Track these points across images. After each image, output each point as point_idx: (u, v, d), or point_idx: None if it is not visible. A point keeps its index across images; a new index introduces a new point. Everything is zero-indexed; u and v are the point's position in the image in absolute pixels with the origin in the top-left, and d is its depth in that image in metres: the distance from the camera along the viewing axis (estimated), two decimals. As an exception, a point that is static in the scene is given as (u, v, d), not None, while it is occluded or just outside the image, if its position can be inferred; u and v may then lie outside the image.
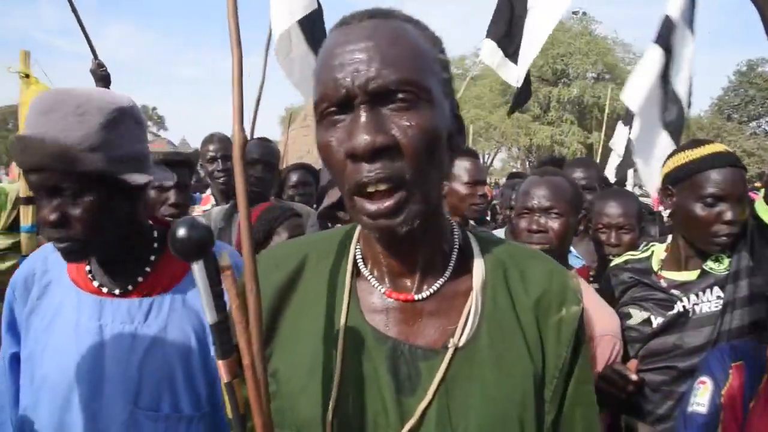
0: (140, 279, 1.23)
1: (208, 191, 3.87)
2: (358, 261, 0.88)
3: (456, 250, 0.87)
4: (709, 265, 1.78)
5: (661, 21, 3.52)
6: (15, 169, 3.17)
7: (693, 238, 1.81)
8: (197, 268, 0.67)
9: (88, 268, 1.24)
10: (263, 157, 2.87)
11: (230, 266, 0.68)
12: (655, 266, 1.91)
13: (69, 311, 1.20)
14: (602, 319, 1.74)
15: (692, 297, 1.76)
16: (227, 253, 0.70)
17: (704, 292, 1.75)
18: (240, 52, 0.69)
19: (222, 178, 3.52)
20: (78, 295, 1.21)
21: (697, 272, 1.79)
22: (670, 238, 1.96)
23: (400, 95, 0.72)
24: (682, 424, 1.46)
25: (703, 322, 1.72)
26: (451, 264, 0.86)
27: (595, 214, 2.60)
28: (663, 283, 1.84)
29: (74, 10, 3.10)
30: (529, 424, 0.79)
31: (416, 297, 0.83)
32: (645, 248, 2.01)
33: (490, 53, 4.04)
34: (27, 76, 3.38)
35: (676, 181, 1.83)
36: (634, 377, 1.64)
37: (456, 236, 0.89)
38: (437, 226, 0.85)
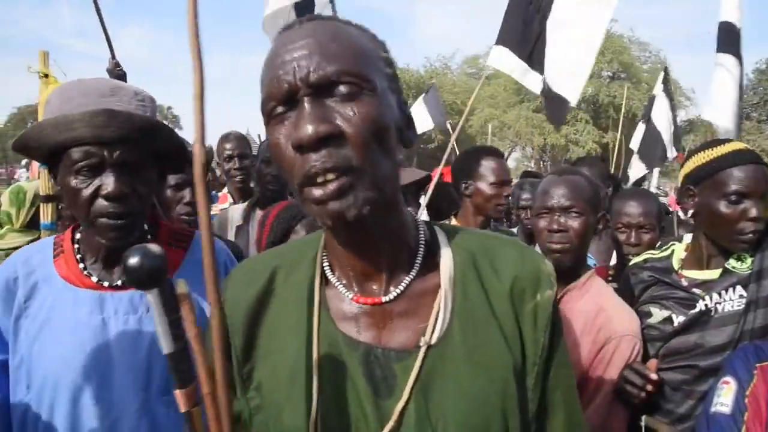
0: None
1: (225, 190, 3.90)
2: (325, 269, 0.88)
3: (422, 246, 0.87)
4: (732, 263, 1.76)
5: (723, 27, 3.45)
6: (35, 167, 3.20)
7: (717, 236, 1.79)
8: (151, 297, 0.66)
9: (81, 266, 1.25)
10: None
11: (187, 294, 0.68)
12: (676, 265, 1.89)
13: (65, 309, 1.20)
14: (622, 319, 1.72)
15: (714, 296, 1.74)
16: (183, 282, 0.70)
17: (726, 291, 1.73)
18: (201, 65, 0.64)
19: (239, 176, 3.54)
20: (74, 292, 1.22)
21: (719, 271, 1.77)
22: (688, 237, 1.94)
23: (342, 86, 0.74)
24: (704, 424, 1.44)
25: (725, 321, 1.70)
26: (418, 261, 0.85)
27: (614, 214, 2.57)
28: (684, 282, 1.83)
29: (98, 11, 3.12)
30: (512, 414, 0.79)
31: (384, 299, 0.83)
32: (665, 247, 1.99)
33: (504, 60, 3.91)
34: (46, 75, 3.42)
35: (698, 180, 1.81)
36: (654, 376, 1.63)
37: (421, 231, 0.88)
38: (398, 221, 0.84)
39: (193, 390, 0.69)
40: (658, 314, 1.82)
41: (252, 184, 3.63)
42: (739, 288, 1.72)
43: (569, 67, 3.53)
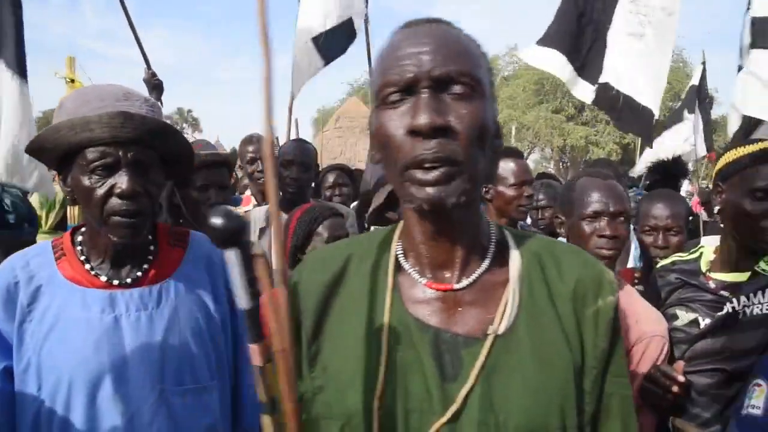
0: (146, 266, 1.32)
1: (248, 192, 3.93)
2: (399, 257, 0.93)
3: (493, 243, 0.92)
4: (762, 266, 1.73)
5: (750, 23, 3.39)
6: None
7: (741, 234, 1.76)
8: (232, 256, 0.70)
9: (88, 266, 1.28)
10: (298, 157, 2.88)
11: (263, 254, 0.73)
12: (704, 267, 1.86)
13: (75, 310, 1.23)
14: (651, 320, 1.72)
15: (743, 299, 1.71)
16: (259, 244, 0.74)
17: (756, 294, 1.70)
18: (268, 50, 0.73)
19: (262, 179, 3.57)
20: (82, 292, 1.25)
21: (748, 273, 1.74)
22: (709, 239, 1.91)
23: (458, 86, 0.81)
24: (736, 426, 1.42)
25: (754, 324, 1.67)
26: (489, 256, 0.90)
27: (641, 216, 2.54)
28: (711, 285, 1.80)
29: (131, 23, 3.18)
30: (570, 412, 0.82)
31: (456, 287, 0.87)
32: (693, 250, 1.97)
33: (550, 61, 3.79)
34: (72, 81, 3.49)
35: (726, 177, 1.79)
36: (681, 378, 1.60)
37: (492, 231, 0.93)
38: (476, 218, 0.90)
39: (266, 346, 0.73)
40: (684, 317, 1.80)
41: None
42: None
43: (645, 78, 3.46)
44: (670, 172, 4.02)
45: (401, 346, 0.85)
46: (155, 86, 3.20)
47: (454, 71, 0.80)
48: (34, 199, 3.61)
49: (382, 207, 1.74)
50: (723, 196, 1.80)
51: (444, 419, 0.80)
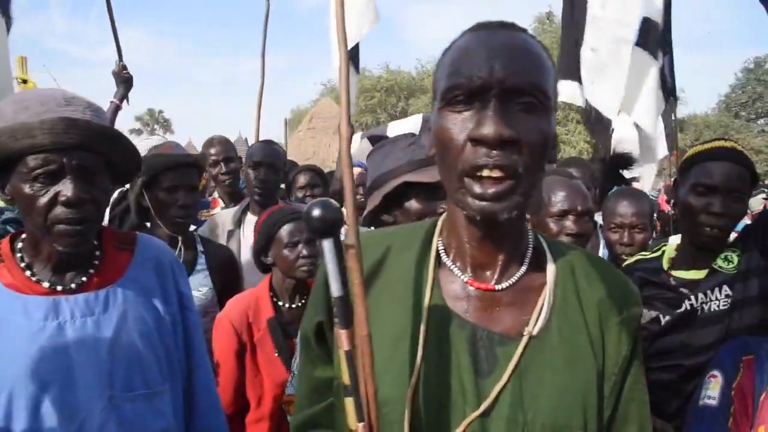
0: (92, 271, 1.28)
1: (215, 194, 3.88)
2: (440, 252, 0.94)
3: (530, 248, 0.95)
4: (719, 263, 1.77)
5: (640, 23, 3.51)
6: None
7: (685, 228, 1.82)
8: (327, 245, 0.74)
9: (27, 273, 1.24)
10: (266, 158, 2.85)
11: (353, 245, 0.77)
12: (666, 265, 1.90)
13: (16, 318, 1.19)
14: None
15: (700, 295, 1.74)
16: (349, 233, 0.78)
17: (713, 290, 1.73)
18: (346, 50, 0.79)
19: (227, 180, 3.53)
20: (23, 300, 1.20)
21: (706, 271, 1.78)
22: (676, 237, 1.96)
23: (528, 98, 0.81)
24: (693, 418, 1.45)
25: (711, 320, 1.71)
26: (527, 260, 0.93)
27: (607, 214, 2.58)
28: (672, 281, 1.83)
29: (110, 12, 3.08)
30: (592, 413, 0.85)
31: (497, 287, 0.90)
32: (656, 248, 2.01)
33: (579, 95, 3.85)
34: (25, 81, 3.38)
35: (681, 172, 1.85)
36: None
37: (530, 236, 0.96)
38: (520, 226, 0.93)
39: (352, 332, 0.76)
40: (646, 314, 1.82)
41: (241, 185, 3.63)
42: (725, 288, 1.72)
43: (604, 86, 3.56)
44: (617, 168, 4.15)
45: (438, 338, 0.87)
46: (125, 80, 3.09)
47: (527, 83, 0.80)
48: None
49: (378, 210, 1.74)
50: (679, 190, 1.85)
51: (476, 414, 0.83)
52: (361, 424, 0.76)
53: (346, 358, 0.75)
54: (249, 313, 2.12)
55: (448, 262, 0.93)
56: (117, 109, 3.08)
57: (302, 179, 3.77)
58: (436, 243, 0.95)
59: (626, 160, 3.06)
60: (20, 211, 1.23)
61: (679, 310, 1.76)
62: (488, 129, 0.78)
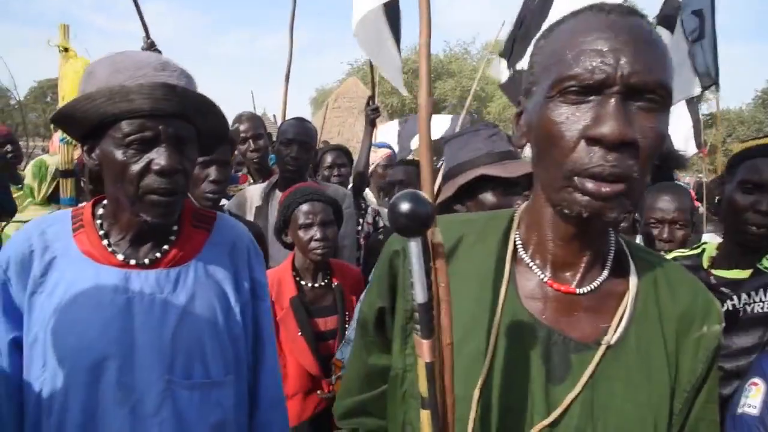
0: (166, 247, 1.24)
1: (244, 170, 3.89)
2: (518, 246, 0.89)
3: (612, 252, 0.88)
4: (764, 264, 1.71)
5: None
6: (55, 141, 3.21)
7: (729, 227, 1.77)
8: (414, 245, 0.64)
9: (105, 242, 1.21)
10: (298, 136, 2.84)
11: (442, 243, 0.68)
12: (705, 263, 1.85)
13: (87, 286, 1.16)
14: None
15: (743, 296, 1.69)
16: (438, 231, 0.68)
17: (757, 291, 1.68)
18: (429, 24, 0.70)
19: (256, 157, 3.52)
20: (96, 269, 1.18)
21: (750, 271, 1.72)
22: (709, 236, 1.91)
23: (651, 96, 0.74)
24: (731, 425, 1.40)
25: (754, 322, 1.65)
26: (609, 264, 0.87)
27: (646, 209, 2.52)
28: (713, 280, 1.78)
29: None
30: (662, 428, 0.81)
31: (578, 290, 0.84)
32: (695, 246, 1.96)
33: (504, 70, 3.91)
34: (66, 50, 3.40)
35: (728, 169, 1.80)
36: None
37: (612, 239, 0.90)
38: (608, 228, 0.88)
39: (435, 342, 0.69)
40: None
41: (271, 163, 3.62)
42: None
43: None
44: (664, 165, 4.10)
45: (510, 339, 0.82)
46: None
47: (652, 82, 0.73)
48: (27, 170, 3.55)
49: (451, 199, 1.73)
50: (724, 187, 1.80)
51: (545, 422, 0.78)
52: None
53: (427, 370, 0.69)
54: (272, 291, 2.12)
55: (527, 259, 0.87)
56: None
57: (329, 158, 3.75)
58: (514, 237, 0.89)
59: (677, 160, 3.00)
60: (108, 178, 1.18)
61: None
62: (609, 128, 0.70)
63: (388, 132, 6.69)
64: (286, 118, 3.41)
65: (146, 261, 1.21)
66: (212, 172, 2.20)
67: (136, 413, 1.14)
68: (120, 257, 1.20)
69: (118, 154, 1.12)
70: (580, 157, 0.73)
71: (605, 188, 0.73)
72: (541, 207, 0.85)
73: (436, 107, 29.80)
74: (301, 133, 2.86)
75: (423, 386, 0.69)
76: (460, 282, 0.87)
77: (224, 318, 1.25)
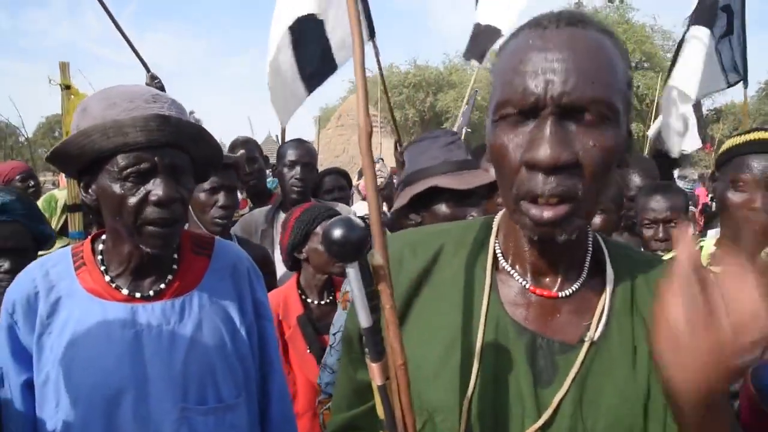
0: (170, 277, 1.26)
1: (243, 194, 3.93)
2: (498, 255, 0.89)
3: (590, 252, 0.89)
4: (762, 258, 1.71)
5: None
6: (64, 176, 3.26)
7: (725, 225, 1.76)
8: (353, 272, 0.65)
9: (107, 278, 1.22)
10: (301, 158, 2.89)
11: (384, 266, 0.67)
12: (704, 261, 1.84)
13: (95, 323, 1.17)
14: None
15: None
16: (378, 254, 0.69)
17: None
18: (361, 40, 0.68)
19: (252, 181, 3.57)
20: (102, 306, 1.19)
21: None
22: (711, 232, 1.90)
23: (589, 114, 0.72)
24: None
25: None
26: (587, 265, 0.88)
27: (639, 209, 2.53)
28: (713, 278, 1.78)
29: (123, 34, 3.12)
30: (655, 418, 0.80)
31: (559, 294, 0.85)
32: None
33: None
34: (68, 87, 3.46)
35: (720, 165, 1.78)
36: None
37: (590, 239, 0.91)
38: (581, 236, 0.87)
39: (386, 364, 0.69)
40: None
41: (269, 185, 3.66)
42: None
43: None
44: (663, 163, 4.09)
45: (496, 346, 0.83)
46: (158, 89, 3.15)
47: (587, 99, 0.71)
48: (40, 204, 3.61)
49: (405, 208, 1.70)
50: (716, 184, 1.80)
51: (537, 425, 0.78)
52: None
53: (380, 392, 0.69)
54: (279, 311, 2.14)
55: (507, 266, 0.88)
56: None
57: (328, 182, 3.79)
58: (493, 245, 0.90)
59: (673, 159, 2.99)
60: (106, 212, 1.19)
61: None
62: (543, 153, 0.70)
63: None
64: (287, 140, 3.46)
65: (151, 293, 1.23)
66: (221, 197, 2.24)
67: None
68: (125, 292, 1.21)
69: (116, 188, 1.14)
70: (522, 182, 0.74)
71: (547, 213, 0.73)
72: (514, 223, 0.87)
73: (438, 120, 29.80)
74: (303, 155, 2.91)
75: (379, 408, 0.70)
76: (442, 293, 0.88)
77: (231, 340, 1.27)
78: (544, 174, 0.72)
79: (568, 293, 0.85)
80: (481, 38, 4.09)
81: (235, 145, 3.62)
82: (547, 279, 0.86)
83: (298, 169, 2.86)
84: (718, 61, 3.79)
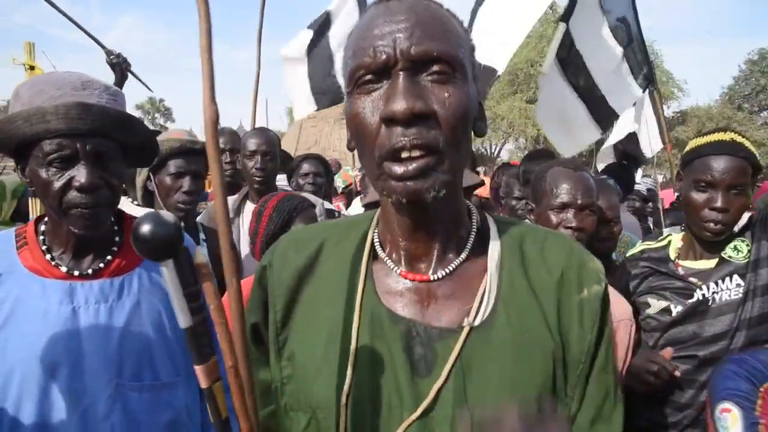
0: (109, 258, 1.28)
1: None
2: (375, 245, 0.88)
3: (473, 232, 0.87)
4: (728, 253, 1.77)
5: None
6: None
7: (689, 223, 1.82)
8: (166, 270, 0.61)
9: (48, 256, 1.24)
10: (261, 146, 2.84)
11: (206, 264, 0.64)
12: (672, 255, 1.89)
13: (33, 300, 1.20)
14: (616, 304, 1.72)
15: (711, 285, 1.75)
16: (201, 251, 0.66)
17: (723, 280, 1.74)
18: (207, 13, 0.62)
19: (228, 171, 3.49)
20: (42, 283, 1.21)
21: (715, 260, 1.78)
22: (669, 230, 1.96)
23: (438, 66, 0.74)
24: None
25: (723, 310, 1.71)
26: (468, 246, 0.85)
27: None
28: (681, 272, 1.83)
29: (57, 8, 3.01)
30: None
31: (432, 277, 0.83)
32: (661, 238, 2.00)
33: None
34: (32, 68, 3.33)
35: (683, 166, 1.85)
36: (677, 373, 1.68)
37: (474, 219, 0.89)
38: (456, 207, 0.85)
39: (214, 365, 0.66)
40: (656, 304, 1.82)
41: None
42: (736, 277, 1.73)
43: (498, 38, 3.52)
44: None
45: (371, 337, 0.81)
46: (121, 64, 3.02)
47: (435, 50, 0.73)
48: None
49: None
50: (680, 183, 1.86)
51: (414, 416, 0.76)
52: None
53: (207, 396, 0.66)
54: (246, 300, 2.10)
55: (383, 255, 0.86)
56: None
57: (306, 167, 3.74)
58: (372, 236, 0.89)
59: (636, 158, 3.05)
60: (38, 195, 1.23)
61: (691, 300, 1.76)
62: (398, 104, 0.71)
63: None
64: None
65: (90, 271, 1.25)
66: (185, 182, 2.23)
67: (87, 417, 1.17)
68: (64, 269, 1.24)
69: (42, 173, 1.18)
70: (383, 142, 0.73)
71: (411, 166, 0.72)
72: (385, 205, 0.86)
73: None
74: (262, 143, 2.85)
75: (210, 413, 0.67)
76: (323, 287, 0.87)
77: (170, 321, 1.29)
78: (403, 126, 0.72)
79: (442, 275, 0.83)
80: (479, 78, 4.08)
81: (221, 134, 3.54)
82: (422, 264, 0.84)
83: (258, 158, 2.82)
84: (628, 70, 3.93)
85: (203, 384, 0.66)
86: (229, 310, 0.65)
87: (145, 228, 0.59)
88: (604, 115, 3.80)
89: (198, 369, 0.65)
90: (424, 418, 0.76)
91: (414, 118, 0.71)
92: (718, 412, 1.39)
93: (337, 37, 4.41)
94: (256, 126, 3.33)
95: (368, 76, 0.75)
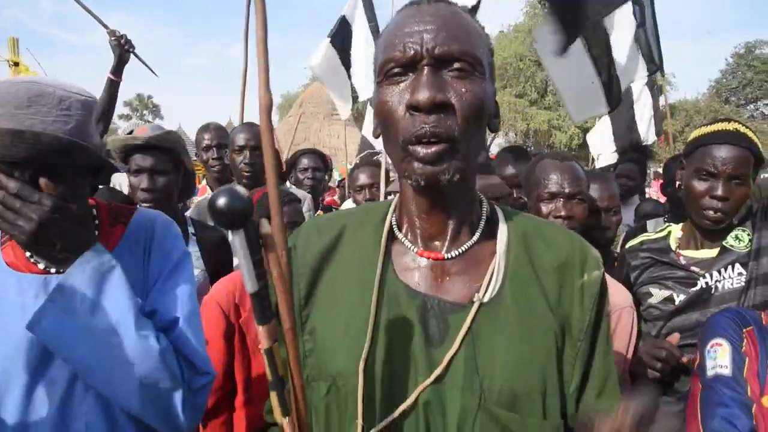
0: None
1: (204, 182, 3.84)
2: (393, 227, 0.96)
3: (483, 219, 0.95)
4: (730, 242, 1.77)
5: None
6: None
7: (689, 211, 1.82)
8: (237, 239, 0.67)
9: (28, 254, 1.24)
10: (249, 141, 2.84)
11: (271, 234, 0.70)
12: (673, 245, 1.89)
13: (10, 295, 1.20)
14: (618, 292, 1.76)
15: (714, 274, 1.75)
16: (266, 222, 0.71)
17: (726, 269, 1.74)
18: (263, 11, 0.70)
19: (216, 167, 3.49)
20: (18, 278, 1.22)
21: (717, 249, 1.78)
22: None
23: (459, 64, 0.83)
24: (706, 391, 1.36)
25: (725, 298, 1.71)
26: (479, 230, 0.94)
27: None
28: (682, 261, 1.83)
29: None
30: (551, 379, 0.85)
31: (446, 256, 0.91)
32: (661, 228, 2.00)
33: None
34: (16, 64, 3.28)
35: (686, 155, 1.85)
36: (684, 359, 1.68)
37: (484, 208, 0.97)
38: (470, 194, 0.94)
39: (274, 327, 0.72)
40: (658, 294, 1.83)
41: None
42: (738, 266, 1.73)
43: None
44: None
45: (389, 310, 0.88)
46: (122, 47, 2.97)
47: (456, 50, 0.82)
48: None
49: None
50: (682, 172, 1.85)
51: (428, 382, 0.83)
52: (286, 419, 0.75)
53: (266, 355, 0.73)
54: (236, 293, 2.10)
55: (400, 236, 0.95)
56: (111, 83, 3.01)
57: (304, 161, 3.75)
58: (390, 219, 0.97)
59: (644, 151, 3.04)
60: None
61: (694, 289, 1.76)
62: (421, 94, 0.80)
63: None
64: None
65: (62, 270, 1.22)
66: (143, 180, 2.18)
67: (65, 407, 1.19)
68: (41, 266, 1.24)
69: None
70: (406, 126, 0.82)
71: (431, 149, 0.81)
72: (405, 188, 0.94)
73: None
74: (250, 138, 2.85)
75: (267, 369, 0.73)
76: (344, 268, 0.95)
77: (142, 300, 1.27)
78: (425, 114, 0.80)
79: (455, 254, 0.91)
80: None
81: (207, 129, 3.54)
82: (437, 243, 0.93)
83: (246, 153, 2.82)
84: (638, 49, 3.90)
85: (264, 344, 0.72)
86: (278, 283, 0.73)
87: (222, 201, 0.65)
88: (615, 92, 3.77)
89: (261, 329, 0.71)
90: (436, 384, 0.83)
91: (434, 108, 0.80)
92: (709, 347, 1.41)
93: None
94: (245, 121, 3.33)
95: (397, 69, 0.84)
